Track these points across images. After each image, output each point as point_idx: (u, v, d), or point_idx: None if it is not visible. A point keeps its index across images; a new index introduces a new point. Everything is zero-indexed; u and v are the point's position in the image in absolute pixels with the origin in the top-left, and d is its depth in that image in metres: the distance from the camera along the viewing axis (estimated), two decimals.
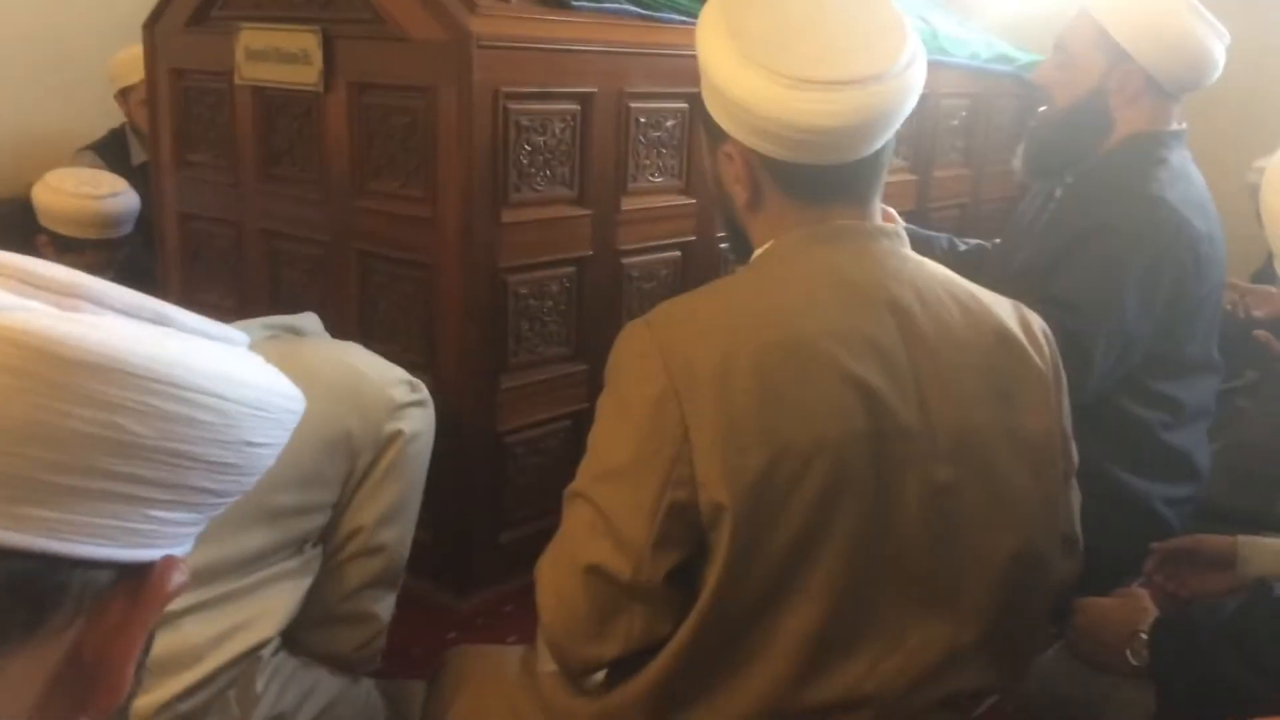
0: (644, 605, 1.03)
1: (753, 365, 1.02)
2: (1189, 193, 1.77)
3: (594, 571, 1.03)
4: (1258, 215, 2.54)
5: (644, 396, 1.03)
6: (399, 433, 1.38)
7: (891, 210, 1.90)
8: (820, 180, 1.10)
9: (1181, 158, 1.81)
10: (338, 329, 1.71)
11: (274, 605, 1.29)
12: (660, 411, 1.02)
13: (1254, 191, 2.56)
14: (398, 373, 1.43)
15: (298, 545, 1.33)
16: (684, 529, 1.02)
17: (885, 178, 1.15)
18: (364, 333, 1.90)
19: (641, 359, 1.05)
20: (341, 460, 1.34)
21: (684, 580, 1.05)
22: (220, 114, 2.13)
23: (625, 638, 1.04)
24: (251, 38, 1.96)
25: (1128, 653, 1.34)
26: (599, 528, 1.03)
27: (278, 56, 1.91)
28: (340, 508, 1.37)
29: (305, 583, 1.34)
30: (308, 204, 1.98)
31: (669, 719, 1.09)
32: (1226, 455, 2.12)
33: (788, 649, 1.05)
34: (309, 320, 1.56)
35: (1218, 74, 1.80)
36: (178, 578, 0.51)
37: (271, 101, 2.01)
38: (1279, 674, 1.16)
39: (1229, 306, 2.13)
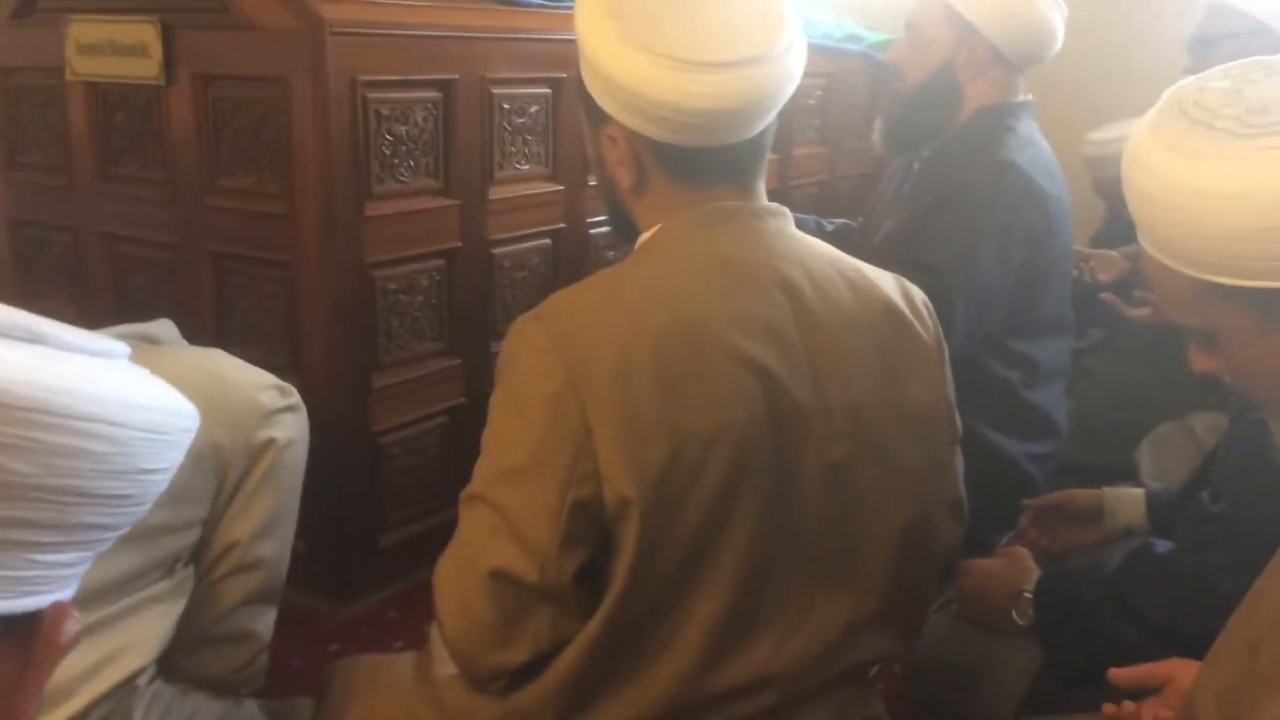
0: (552, 607, 1.01)
1: (651, 355, 1.00)
2: (1037, 157, 1.84)
3: (499, 576, 1.00)
4: (1092, 184, 2.68)
5: (541, 393, 1.01)
6: (271, 441, 1.31)
7: None
8: (705, 162, 1.09)
9: (1029, 127, 1.88)
10: (193, 335, 1.62)
11: (147, 631, 1.21)
12: (559, 407, 0.99)
13: (1089, 163, 2.69)
14: (266, 378, 1.36)
15: (168, 566, 1.25)
16: (589, 526, 1.00)
17: (768, 158, 1.15)
18: (222, 338, 1.81)
19: (536, 355, 1.02)
20: (210, 474, 1.26)
21: (589, 576, 1.03)
22: (51, 112, 1.98)
23: (534, 641, 1.01)
24: (83, 31, 1.83)
25: (1013, 612, 1.38)
26: (501, 530, 1.00)
27: (113, 50, 1.79)
28: (212, 524, 1.30)
29: (179, 605, 1.26)
30: (153, 204, 1.87)
31: (577, 716, 1.07)
32: (1080, 412, 2.22)
33: (695, 637, 1.04)
34: (164, 327, 1.47)
35: (1058, 45, 1.88)
36: (71, 626, 0.46)
37: (108, 97, 1.88)
38: (1160, 628, 1.21)
39: (1075, 272, 2.23)
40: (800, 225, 2.03)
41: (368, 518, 1.85)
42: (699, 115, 1.04)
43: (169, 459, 0.48)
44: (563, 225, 2.08)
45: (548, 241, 2.08)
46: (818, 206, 2.81)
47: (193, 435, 0.50)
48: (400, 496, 1.88)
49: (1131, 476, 2.04)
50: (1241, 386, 0.94)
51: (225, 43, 1.71)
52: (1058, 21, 1.83)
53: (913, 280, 1.27)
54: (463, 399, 1.94)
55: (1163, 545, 1.30)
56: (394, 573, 1.87)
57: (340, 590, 1.85)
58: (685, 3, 1.07)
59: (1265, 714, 0.78)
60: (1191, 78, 0.90)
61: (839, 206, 2.89)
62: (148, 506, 0.48)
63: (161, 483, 0.49)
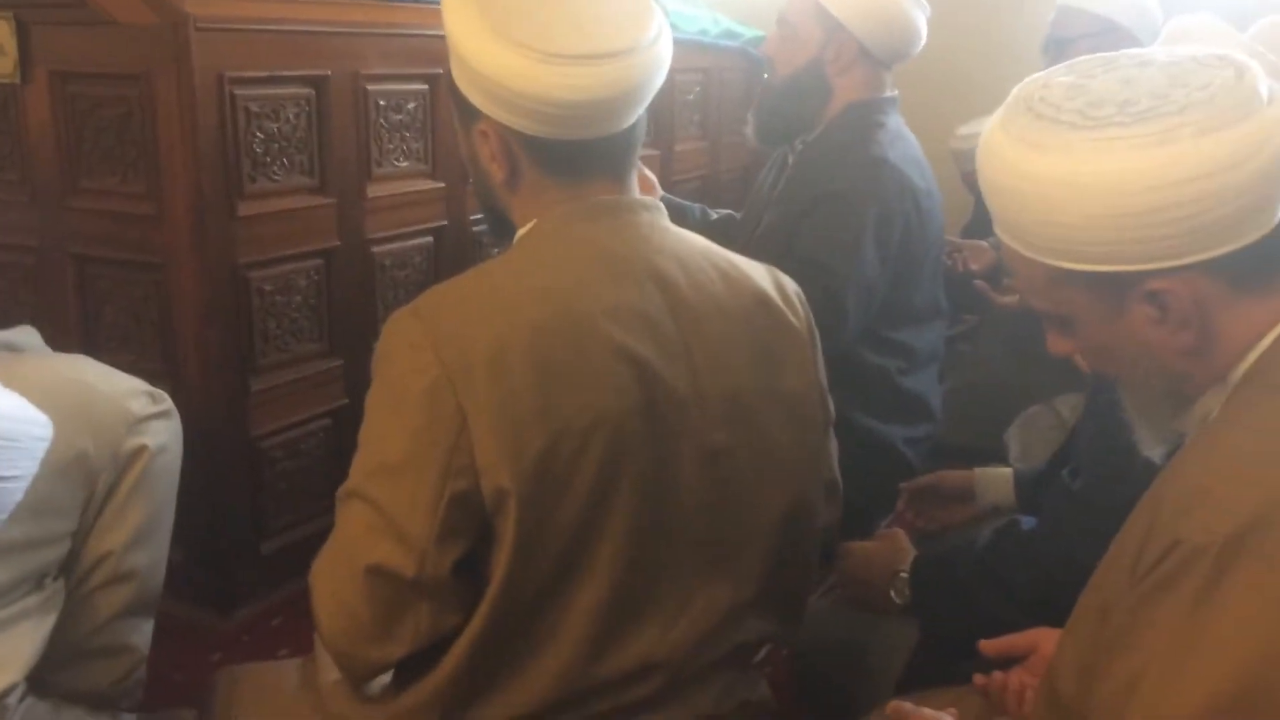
0: (431, 601, 1.00)
1: (527, 347, 1.01)
2: (907, 152, 1.91)
3: (375, 572, 0.99)
4: (960, 178, 2.77)
5: (417, 387, 1.00)
6: (142, 448, 1.28)
7: (651, 176, 1.94)
8: (577, 156, 1.10)
9: (897, 122, 1.95)
10: (58, 342, 1.56)
11: (16, 647, 1.17)
12: (434, 401, 0.99)
13: (956, 156, 2.79)
14: (135, 384, 1.32)
15: (36, 580, 1.21)
16: (467, 518, 1.00)
17: (639, 151, 1.17)
18: (88, 344, 1.75)
19: (412, 349, 1.02)
20: (78, 484, 1.22)
21: (468, 569, 1.03)
22: None
23: (413, 636, 1.01)
24: None
25: (891, 592, 1.43)
26: (378, 526, 1.00)
27: None
28: (82, 535, 1.26)
29: (49, 619, 1.21)
30: (10, 207, 1.79)
31: (465, 713, 1.07)
32: (954, 396, 2.30)
33: (579, 626, 1.05)
34: (26, 335, 1.41)
35: (922, 43, 1.95)
36: None
37: None
38: (1028, 601, 1.26)
39: (948, 261, 2.31)
40: (685, 213, 2.09)
41: (249, 524, 1.81)
42: (569, 108, 1.05)
43: (22, 467, 0.47)
44: (444, 222, 2.07)
45: (429, 239, 2.06)
46: (700, 200, 2.84)
47: (47, 444, 0.49)
48: (282, 501, 1.85)
49: (1002, 457, 2.13)
50: (1096, 367, 0.99)
51: (84, 39, 1.65)
52: (921, 20, 1.90)
53: (804, 277, 1.30)
54: (345, 400, 1.91)
55: (1028, 522, 1.36)
56: (277, 579, 1.84)
57: (222, 599, 1.81)
58: None
59: (1113, 672, 0.82)
60: (1039, 74, 0.95)
61: (722, 200, 2.93)
62: (4, 516, 0.47)
63: (15, 491, 0.47)
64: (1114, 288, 0.88)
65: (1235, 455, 0.81)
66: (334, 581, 1.03)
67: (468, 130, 1.15)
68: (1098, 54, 0.94)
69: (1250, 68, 0.86)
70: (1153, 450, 0.98)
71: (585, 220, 1.10)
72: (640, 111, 1.12)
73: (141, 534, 1.30)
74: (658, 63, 1.10)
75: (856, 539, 1.58)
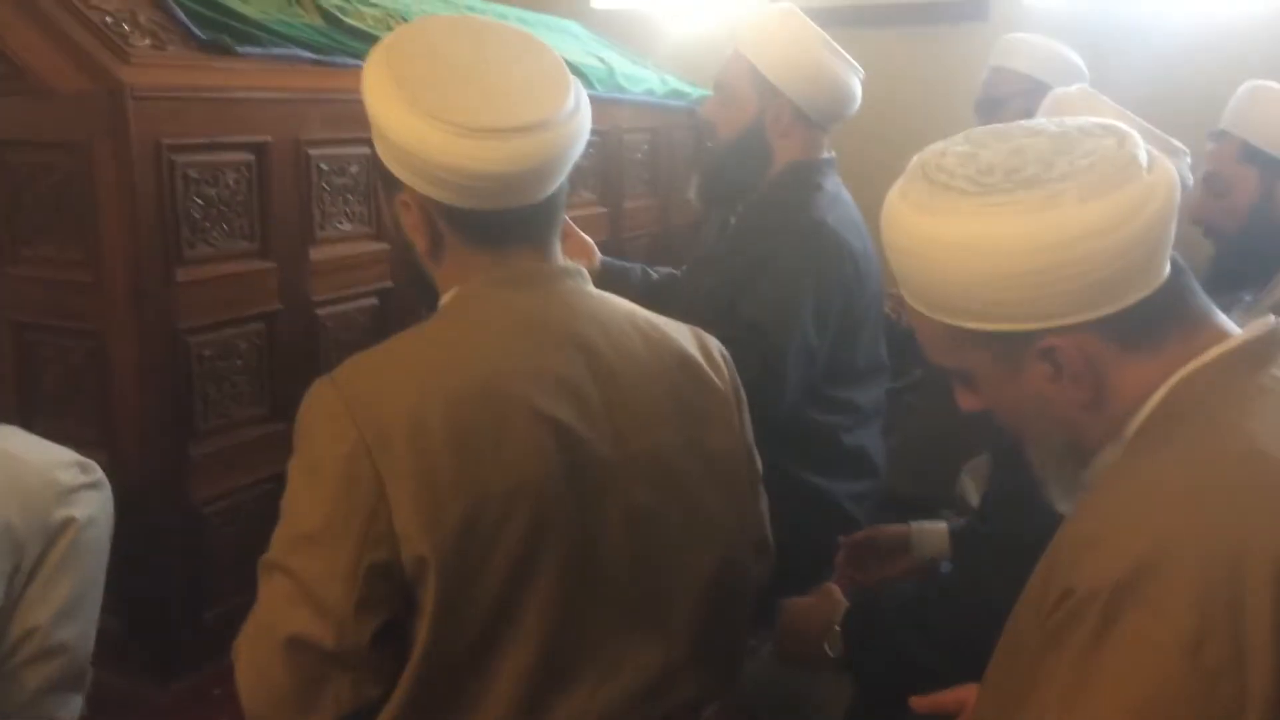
0: (351, 672, 1.00)
1: (445, 414, 1.02)
2: (843, 214, 1.95)
3: (294, 643, 0.99)
4: None
5: (334, 456, 1.01)
6: (70, 520, 1.27)
7: (588, 241, 1.97)
8: (497, 225, 1.12)
9: (834, 183, 1.99)
10: None
11: None
12: (352, 470, 1.00)
13: None
14: (64, 454, 1.32)
15: None
16: (387, 588, 1.01)
17: (562, 219, 1.19)
18: (26, 411, 1.73)
19: (329, 419, 1.03)
20: (4, 557, 1.21)
21: (391, 638, 1.03)
22: None
23: (335, 707, 1.01)
24: None
25: (825, 645, 1.44)
26: (297, 597, 1.00)
27: None
28: (8, 610, 1.25)
29: None
30: None
31: None
32: (901, 448, 2.33)
33: (506, 692, 1.05)
34: None
35: (857, 105, 1.99)
36: None
37: None
38: (956, 650, 1.27)
39: (892, 315, 2.34)
40: (628, 275, 2.12)
41: (190, 592, 1.79)
42: (487, 180, 1.07)
43: None
44: (390, 284, 2.07)
45: (375, 301, 2.06)
46: (649, 257, 2.87)
47: None
48: (224, 568, 1.83)
49: (953, 505, 2.14)
50: (1002, 423, 1.02)
51: (21, 108, 1.65)
52: (853, 82, 1.95)
53: (745, 341, 1.33)
54: (288, 465, 1.90)
55: (947, 567, 1.37)
56: (219, 648, 1.78)
57: (162, 669, 1.78)
58: (469, 69, 1.10)
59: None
60: (938, 142, 0.98)
61: (671, 257, 2.95)
62: None
63: None
64: (1009, 346, 0.91)
65: (1121, 505, 0.83)
66: (255, 653, 1.03)
67: (390, 200, 1.17)
68: (993, 125, 0.98)
69: (1130, 136, 0.90)
70: (1063, 504, 1.00)
71: (507, 288, 1.12)
72: (560, 181, 1.14)
73: (69, 608, 1.29)
74: (575, 134, 1.12)
75: (803, 595, 1.58)
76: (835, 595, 1.50)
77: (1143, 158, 0.89)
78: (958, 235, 0.88)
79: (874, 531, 1.73)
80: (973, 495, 2.17)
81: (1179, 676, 0.74)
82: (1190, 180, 1.71)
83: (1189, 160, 1.70)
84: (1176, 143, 1.64)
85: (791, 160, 1.96)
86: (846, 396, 1.98)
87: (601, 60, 2.71)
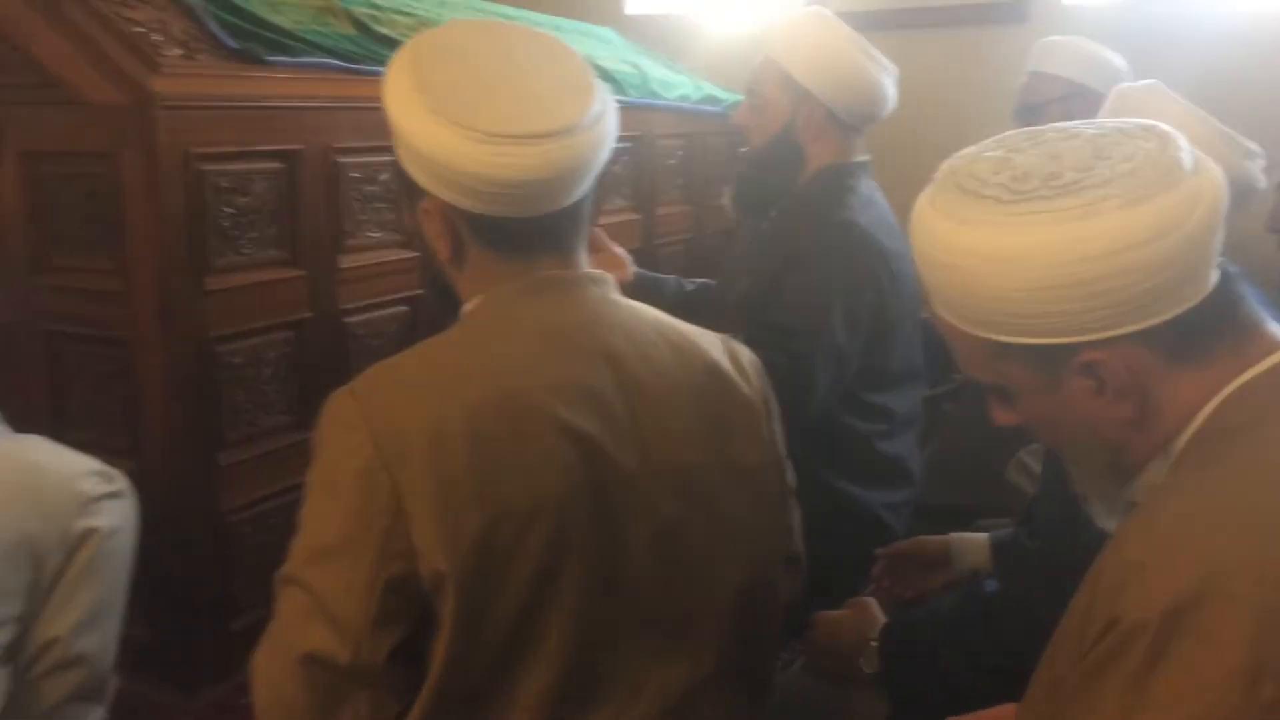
0: (368, 689, 0.98)
1: (466, 426, 0.99)
2: (878, 216, 1.91)
3: (311, 659, 0.97)
4: None
5: (351, 469, 0.99)
6: (93, 530, 1.26)
7: (622, 253, 1.94)
8: (521, 233, 1.10)
9: (868, 185, 1.95)
10: (26, 419, 1.55)
11: None
12: (369, 483, 0.98)
13: None
14: (87, 464, 1.31)
15: None
16: (405, 603, 0.98)
17: (587, 226, 1.16)
18: (56, 420, 1.74)
19: (347, 430, 1.01)
20: (25, 568, 1.20)
21: (409, 655, 1.00)
22: None
23: None
24: None
25: (861, 661, 1.40)
26: (313, 612, 0.98)
27: None
28: (29, 619, 1.24)
29: None
30: None
31: None
32: (939, 456, 2.28)
33: (527, 713, 1.03)
34: None
35: (891, 105, 1.95)
36: None
37: None
38: (995, 667, 1.23)
39: (929, 318, 2.29)
40: (661, 286, 2.09)
41: (218, 601, 1.78)
42: (510, 186, 1.05)
43: None
44: (419, 292, 2.06)
45: (405, 308, 2.06)
46: (685, 263, 2.85)
47: None
48: (253, 577, 1.82)
49: (995, 513, 2.09)
50: (1041, 439, 0.98)
51: (52, 119, 1.66)
52: (888, 84, 1.91)
53: (769, 342, 1.29)
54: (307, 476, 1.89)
55: (991, 585, 1.33)
56: (247, 658, 1.79)
57: (191, 679, 1.77)
58: (492, 75, 1.08)
59: None
60: (969, 148, 0.94)
61: (706, 263, 2.94)
62: None
63: None
64: (1049, 360, 0.87)
65: (1169, 529, 0.79)
66: (271, 670, 1.01)
67: (412, 208, 1.15)
68: (1026, 129, 0.94)
69: (1173, 138, 0.86)
70: (1106, 522, 0.96)
71: (530, 296, 1.10)
72: (586, 188, 1.12)
73: (90, 618, 1.27)
74: (600, 141, 1.10)
75: (837, 606, 1.55)
76: (871, 609, 1.46)
77: (1186, 160, 0.85)
78: (994, 246, 0.85)
79: (914, 544, 1.69)
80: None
81: (1233, 712, 0.70)
82: (1262, 183, 1.62)
83: (1264, 163, 1.62)
84: (1250, 144, 1.56)
85: (824, 164, 1.92)
86: (881, 402, 1.94)
87: (635, 66, 2.69)
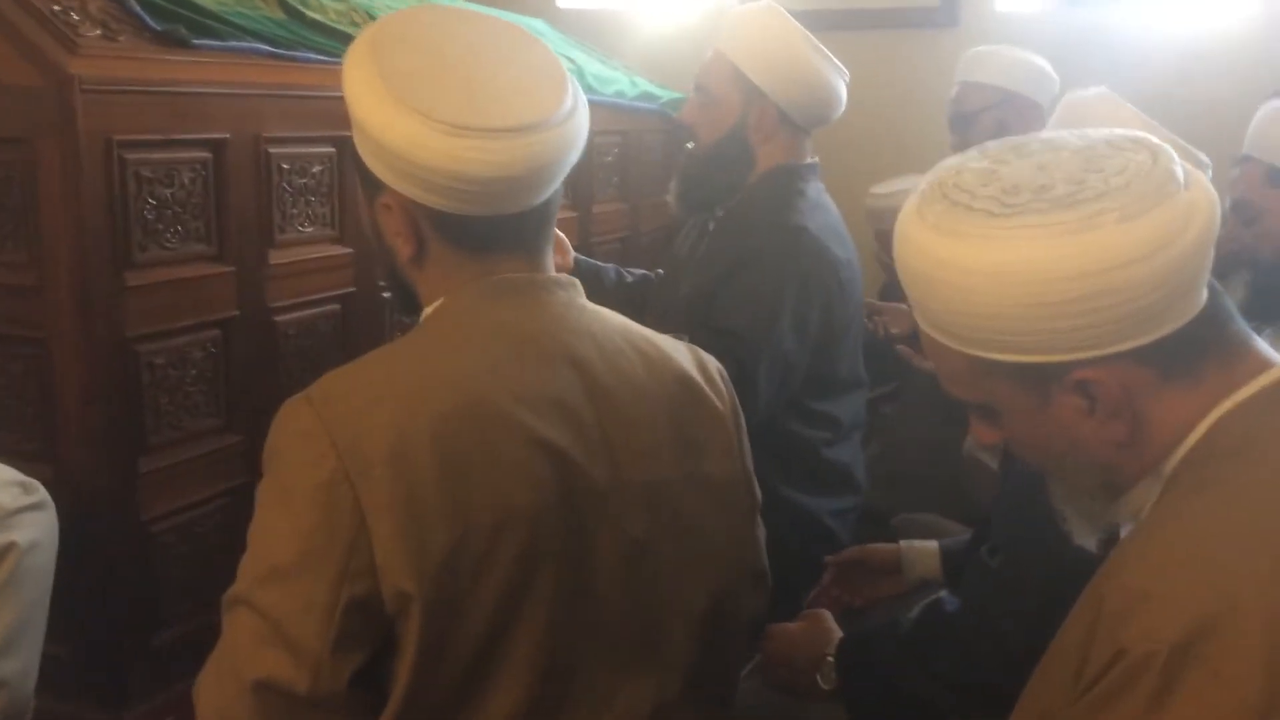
0: (327, 716, 0.92)
1: (431, 436, 0.94)
2: (826, 221, 1.89)
3: (265, 687, 0.91)
4: (874, 236, 2.78)
5: (310, 482, 0.93)
6: (11, 545, 1.18)
7: (562, 237, 1.89)
8: (487, 232, 1.04)
9: (817, 189, 1.94)
10: None
11: None
12: (330, 497, 0.92)
13: (871, 214, 2.80)
14: (5, 473, 1.22)
15: None
16: (366, 625, 0.93)
17: (554, 227, 1.11)
18: None
19: (305, 440, 0.95)
20: None
21: (368, 679, 0.94)
22: None
23: None
24: None
25: (818, 676, 1.38)
26: (267, 636, 0.91)
27: None
28: None
29: None
30: None
31: None
32: (880, 460, 2.28)
33: None
34: None
35: (842, 108, 1.94)
36: None
37: None
38: (956, 685, 1.22)
39: (869, 325, 2.30)
40: (601, 275, 2.04)
41: (140, 615, 1.68)
42: (478, 183, 1.00)
43: None
44: (353, 289, 1.98)
45: (337, 307, 1.97)
46: (620, 261, 2.79)
47: None
48: (176, 589, 1.72)
49: (931, 518, 2.09)
50: (1025, 459, 0.96)
51: None
52: (840, 86, 1.90)
53: (715, 346, 1.26)
54: (244, 478, 1.79)
55: (952, 603, 1.32)
56: (171, 674, 1.70)
57: (113, 696, 1.67)
58: (461, 64, 1.03)
59: None
60: (952, 158, 0.92)
61: (641, 261, 2.89)
62: None
63: None
64: (1039, 378, 0.85)
65: (1172, 557, 0.77)
66: (220, 698, 0.94)
67: (371, 202, 1.09)
68: (1007, 139, 0.92)
69: (1164, 150, 0.85)
70: (1086, 540, 0.95)
71: (495, 299, 1.05)
72: (554, 187, 1.07)
73: (9, 640, 1.19)
74: (573, 137, 1.05)
75: (784, 616, 1.52)
76: (825, 622, 1.44)
77: (1180, 174, 0.84)
78: (986, 260, 0.82)
79: (863, 552, 1.68)
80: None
81: None
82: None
83: (1210, 173, 1.63)
84: (1200, 154, 1.57)
85: (774, 164, 1.90)
86: (827, 410, 1.93)
87: (570, 60, 2.63)
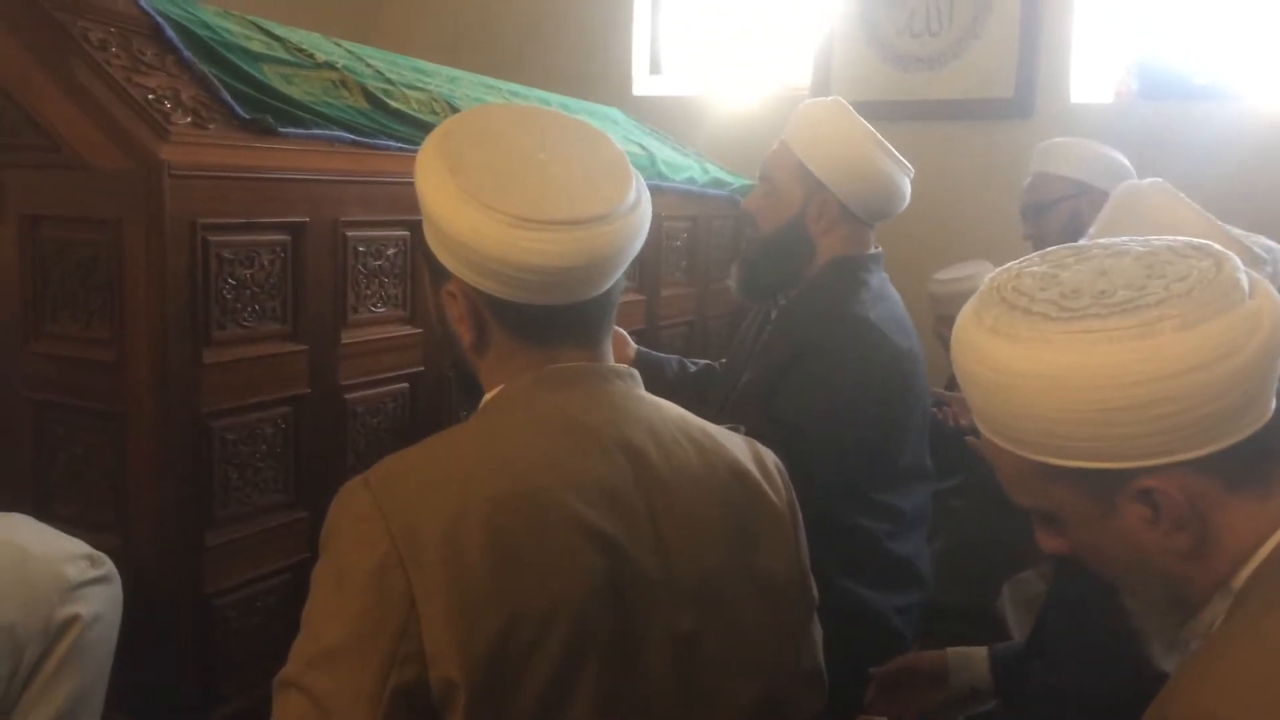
0: None
1: (484, 524, 0.94)
2: (889, 312, 1.88)
3: None
4: (935, 321, 2.75)
5: (363, 565, 0.93)
6: (75, 618, 1.19)
7: (623, 333, 1.91)
8: (547, 321, 1.06)
9: (880, 279, 1.93)
10: (9, 488, 1.49)
11: None
12: (382, 581, 0.92)
13: (934, 300, 2.78)
14: (73, 546, 1.24)
15: None
16: (412, 712, 0.92)
17: (615, 317, 1.12)
18: (41, 493, 1.67)
19: (360, 523, 0.96)
20: (3, 658, 1.13)
21: None
22: None
23: None
24: None
25: None
26: None
27: None
28: (4, 712, 1.16)
29: None
30: None
31: None
32: (946, 554, 2.23)
33: None
34: None
35: (905, 204, 1.94)
36: None
37: None
38: None
39: (937, 414, 2.26)
40: (663, 367, 2.05)
41: (199, 688, 1.70)
42: (539, 273, 1.01)
43: None
44: (421, 368, 2.02)
45: (405, 385, 2.00)
46: (687, 346, 2.82)
47: None
48: (236, 663, 1.74)
49: (998, 616, 2.04)
50: (1092, 569, 0.93)
51: (56, 182, 1.62)
52: (904, 183, 1.90)
53: (773, 436, 1.25)
54: (309, 554, 1.82)
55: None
56: None
57: None
58: (528, 159, 1.05)
59: None
60: (1011, 263, 0.92)
61: (709, 345, 2.91)
62: None
63: None
64: (1102, 485, 0.83)
65: (1240, 678, 0.74)
66: None
67: (436, 290, 1.12)
68: (1069, 244, 0.92)
69: (1229, 259, 0.83)
70: (1165, 662, 0.91)
71: (553, 388, 1.05)
72: (616, 278, 1.08)
73: (69, 710, 1.20)
74: (635, 229, 1.07)
75: (844, 713, 1.48)
76: None
77: (1244, 282, 0.82)
78: (1045, 365, 0.81)
79: (908, 661, 1.62)
80: (1012, 620, 2.06)
81: None
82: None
83: (1270, 269, 1.60)
84: (1258, 248, 1.53)
85: (835, 255, 1.90)
86: (890, 501, 1.90)
87: (643, 148, 2.68)
